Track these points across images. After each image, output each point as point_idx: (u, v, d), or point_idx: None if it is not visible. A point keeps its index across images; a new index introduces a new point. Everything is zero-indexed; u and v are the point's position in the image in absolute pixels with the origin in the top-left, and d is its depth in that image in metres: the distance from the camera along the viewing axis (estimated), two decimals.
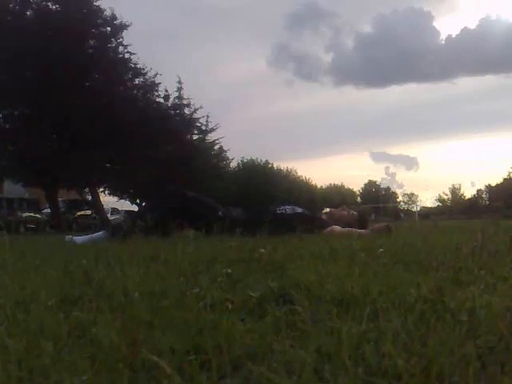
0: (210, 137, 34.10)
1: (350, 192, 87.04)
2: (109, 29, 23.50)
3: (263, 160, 54.36)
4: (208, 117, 32.42)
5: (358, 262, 2.29)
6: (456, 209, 69.89)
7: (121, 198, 36.62)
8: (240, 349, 0.94)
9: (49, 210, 26.08)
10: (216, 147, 35.90)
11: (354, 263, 2.24)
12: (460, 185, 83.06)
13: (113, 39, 23.79)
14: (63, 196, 28.70)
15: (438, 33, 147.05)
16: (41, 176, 22.45)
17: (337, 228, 5.32)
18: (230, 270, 1.90)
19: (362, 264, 2.19)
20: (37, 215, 26.39)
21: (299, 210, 5.69)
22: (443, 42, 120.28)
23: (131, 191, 34.75)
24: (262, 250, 2.57)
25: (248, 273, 1.92)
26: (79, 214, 29.23)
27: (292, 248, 2.86)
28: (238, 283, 1.70)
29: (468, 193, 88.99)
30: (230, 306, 1.28)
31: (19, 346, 0.94)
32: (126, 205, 39.13)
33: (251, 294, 1.46)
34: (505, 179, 61.20)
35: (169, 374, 0.75)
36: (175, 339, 0.98)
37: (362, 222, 5.80)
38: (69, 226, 24.38)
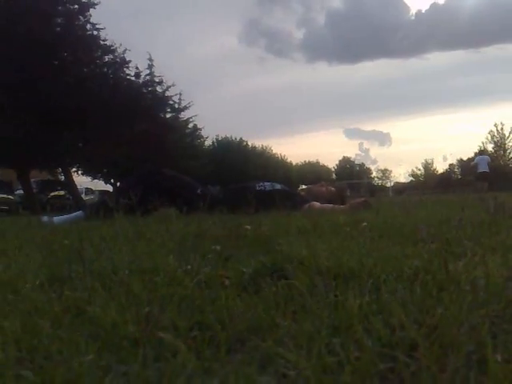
0: (184, 115, 33.82)
1: (325, 169, 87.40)
2: (76, 6, 22.92)
3: (238, 138, 54.24)
4: (181, 94, 32.09)
5: (343, 236, 2.29)
6: (429, 183, 70.85)
7: (94, 177, 36.19)
8: (243, 324, 0.92)
9: (21, 192, 25.59)
10: (190, 125, 35.65)
11: (341, 237, 2.24)
12: (432, 159, 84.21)
13: (80, 17, 23.22)
14: (36, 177, 28.19)
15: (407, 8, 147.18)
16: (12, 157, 21.97)
17: (316, 204, 5.33)
18: (218, 247, 1.88)
19: (348, 238, 2.19)
20: (9, 197, 25.90)
21: (278, 186, 5.68)
22: (413, 18, 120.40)
23: (105, 171, 34.37)
24: (248, 227, 2.55)
25: (237, 249, 1.90)
26: (53, 194, 28.82)
27: (277, 224, 2.85)
28: (229, 259, 1.68)
29: (440, 167, 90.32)
30: (226, 282, 1.26)
31: (15, 326, 0.90)
32: (99, 185, 38.75)
33: (244, 269, 1.44)
34: (476, 153, 62.17)
35: (181, 349, 0.73)
36: (176, 316, 0.95)
37: (340, 198, 5.83)
38: (42, 207, 24.00)
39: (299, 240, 2.09)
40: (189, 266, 1.49)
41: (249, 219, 3.13)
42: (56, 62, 22.16)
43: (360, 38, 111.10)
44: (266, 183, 5.66)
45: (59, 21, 22.64)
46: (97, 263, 1.55)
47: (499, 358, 0.69)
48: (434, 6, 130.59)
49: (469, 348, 0.72)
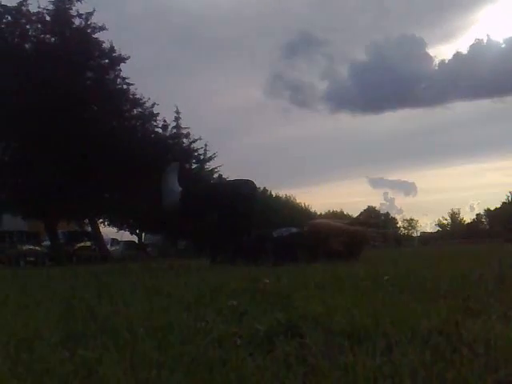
0: (209, 165, 34.26)
1: (350, 218, 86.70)
2: (107, 61, 23.76)
3: (261, 187, 54.53)
4: (206, 146, 32.66)
5: (363, 291, 2.25)
6: (456, 233, 69.61)
7: (120, 228, 36.60)
8: None
9: (49, 243, 25.93)
10: (215, 175, 36.05)
11: (360, 292, 2.21)
12: (459, 209, 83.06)
13: (111, 71, 24.04)
14: (63, 228, 28.61)
15: (431, 58, 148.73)
16: (40, 208, 22.39)
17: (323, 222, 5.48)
18: (235, 302, 1.87)
19: (368, 293, 2.16)
20: (37, 248, 26.25)
21: (294, 229, 5.65)
22: (436, 68, 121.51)
23: (131, 221, 34.75)
24: (266, 280, 2.54)
25: (253, 304, 1.89)
26: (79, 245, 29.12)
27: (296, 277, 2.83)
28: (244, 315, 1.67)
29: (467, 217, 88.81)
30: (238, 341, 1.25)
31: None
32: (125, 235, 39.11)
33: (258, 326, 1.42)
34: (503, 203, 61.14)
35: None
36: (184, 378, 0.95)
37: (360, 241, 5.68)
38: (69, 258, 24.24)
39: (317, 295, 2.07)
40: (203, 323, 1.48)
41: (268, 271, 3.12)
42: (86, 115, 22.85)
43: (383, 89, 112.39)
44: (282, 229, 5.66)
45: (90, 75, 23.46)
46: (112, 320, 1.56)
47: None
48: (457, 55, 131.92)
49: None
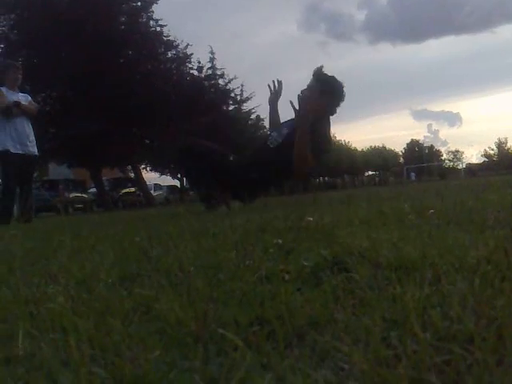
0: (246, 106, 33.98)
1: (392, 153, 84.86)
2: (139, 3, 23.49)
3: None
4: (242, 86, 32.26)
5: (409, 225, 2.25)
6: (504, 163, 67.76)
7: (162, 173, 37.22)
8: (302, 319, 0.95)
9: (94, 190, 26.69)
10: (252, 116, 35.84)
11: (406, 226, 2.21)
12: (506, 138, 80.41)
13: (143, 14, 23.79)
14: (107, 175, 29.32)
15: None
16: (85, 156, 22.90)
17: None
18: (280, 241, 1.91)
19: (413, 227, 2.16)
20: (83, 195, 27.10)
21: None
22: None
23: (172, 166, 35.24)
24: (310, 218, 2.56)
25: (299, 242, 1.92)
26: (124, 191, 29.89)
27: (339, 214, 2.84)
28: (290, 253, 1.70)
29: None
30: (286, 277, 1.29)
31: (88, 324, 0.97)
32: (167, 180, 39.83)
33: (304, 263, 1.45)
34: None
35: (239, 346, 0.76)
36: (237, 311, 0.99)
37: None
38: (115, 203, 24.97)
39: (361, 231, 2.08)
40: (251, 261, 1.53)
41: (310, 210, 3.14)
42: (122, 60, 22.84)
43: (424, 16, 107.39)
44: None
45: (123, 19, 23.30)
46: (164, 261, 1.62)
47: None
48: None
49: None
